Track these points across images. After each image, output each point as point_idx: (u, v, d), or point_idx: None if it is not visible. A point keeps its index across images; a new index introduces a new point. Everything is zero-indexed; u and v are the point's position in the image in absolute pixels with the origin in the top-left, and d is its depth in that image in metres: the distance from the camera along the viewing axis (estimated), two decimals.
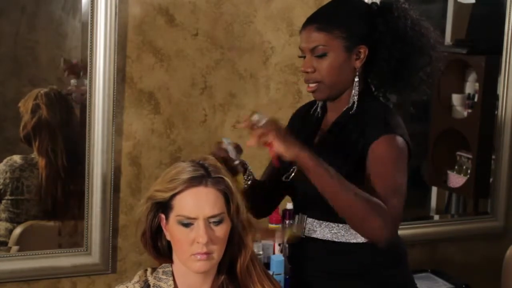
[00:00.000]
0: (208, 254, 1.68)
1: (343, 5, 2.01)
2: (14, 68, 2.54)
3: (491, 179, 3.37)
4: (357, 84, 1.97)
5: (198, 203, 1.68)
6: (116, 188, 2.64)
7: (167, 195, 1.70)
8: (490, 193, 3.38)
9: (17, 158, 2.55)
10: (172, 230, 1.71)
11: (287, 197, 2.22)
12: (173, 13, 2.66)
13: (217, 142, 1.98)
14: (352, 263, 1.98)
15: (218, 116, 2.77)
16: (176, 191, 1.69)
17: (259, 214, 2.21)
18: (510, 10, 3.25)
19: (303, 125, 2.12)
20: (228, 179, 1.73)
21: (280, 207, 2.46)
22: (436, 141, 3.43)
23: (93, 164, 2.56)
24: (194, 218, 1.68)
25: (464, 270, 3.25)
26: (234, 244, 1.76)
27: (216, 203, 1.69)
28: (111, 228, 2.62)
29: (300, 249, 2.06)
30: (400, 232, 2.06)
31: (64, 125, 2.58)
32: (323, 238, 1.98)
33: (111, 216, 2.61)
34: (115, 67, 2.54)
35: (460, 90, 3.43)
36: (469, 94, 3.40)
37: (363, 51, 1.96)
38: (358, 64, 1.96)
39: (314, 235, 2.00)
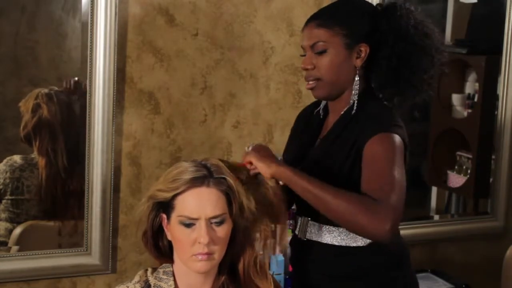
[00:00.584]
0: (209, 254, 1.68)
1: (345, 4, 2.01)
2: (14, 68, 2.54)
3: (491, 179, 3.37)
4: (357, 83, 1.96)
5: (200, 203, 1.68)
6: (116, 188, 2.64)
7: (169, 195, 1.70)
8: (490, 193, 3.38)
9: (17, 158, 2.55)
10: (174, 230, 1.71)
11: None
12: (173, 13, 2.66)
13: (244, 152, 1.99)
14: (353, 265, 1.97)
15: (218, 116, 2.77)
16: (178, 191, 1.69)
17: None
18: (510, 10, 3.25)
19: (306, 126, 2.12)
20: (230, 179, 1.72)
21: None
22: (436, 141, 3.43)
23: (93, 164, 2.56)
24: (196, 219, 1.68)
25: (464, 270, 3.25)
26: (236, 244, 1.76)
27: (218, 204, 1.69)
28: (111, 228, 2.62)
29: (302, 252, 2.06)
30: (400, 232, 2.07)
31: (65, 125, 2.58)
32: (324, 242, 1.98)
33: (111, 216, 2.61)
34: (115, 67, 2.54)
35: (460, 90, 3.43)
36: (469, 94, 3.40)
37: (364, 49, 1.95)
38: (358, 62, 1.95)
39: (315, 239, 1.99)
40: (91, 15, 2.49)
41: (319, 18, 1.97)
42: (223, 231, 1.70)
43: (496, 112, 3.33)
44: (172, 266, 1.78)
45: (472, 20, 3.43)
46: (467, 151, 3.39)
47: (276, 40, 2.83)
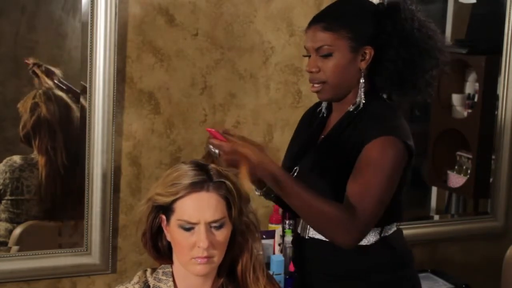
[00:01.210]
0: (209, 258, 1.68)
1: (350, 5, 1.99)
2: (14, 68, 2.54)
3: (491, 179, 3.37)
4: (363, 85, 1.95)
5: (199, 208, 1.67)
6: (116, 188, 2.64)
7: (168, 199, 1.69)
8: (490, 193, 3.38)
9: (17, 159, 2.55)
10: (173, 233, 1.71)
11: None
12: (173, 13, 2.66)
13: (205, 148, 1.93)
14: (355, 265, 1.97)
15: (218, 116, 2.77)
16: (178, 196, 1.68)
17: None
18: (510, 10, 3.25)
19: (309, 125, 2.12)
20: (229, 183, 1.72)
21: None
22: (436, 141, 3.43)
23: (93, 164, 2.56)
24: (195, 223, 1.67)
25: (464, 270, 3.25)
26: (235, 247, 1.75)
27: (218, 208, 1.69)
28: (111, 228, 2.62)
29: (304, 251, 2.06)
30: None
31: (64, 123, 2.58)
32: (326, 240, 1.98)
33: (111, 216, 2.61)
34: (115, 67, 2.54)
35: (460, 90, 3.43)
36: (469, 94, 3.40)
37: (369, 52, 1.94)
38: (363, 65, 1.95)
39: (317, 236, 1.99)
40: (91, 15, 2.49)
41: (324, 21, 1.95)
42: (222, 235, 1.69)
43: (496, 112, 3.33)
44: (171, 267, 1.78)
45: (472, 20, 3.43)
46: (467, 151, 3.39)
47: (276, 40, 2.83)
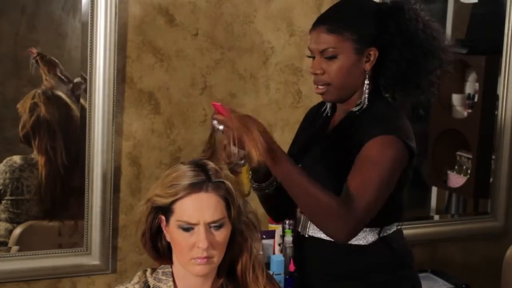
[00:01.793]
0: (208, 258, 1.68)
1: (354, 6, 1.98)
2: (14, 68, 2.54)
3: (491, 179, 3.37)
4: (367, 86, 1.95)
5: (199, 209, 1.67)
6: (116, 188, 2.64)
7: (167, 201, 1.69)
8: (490, 193, 3.38)
9: (17, 159, 2.55)
10: (172, 233, 1.71)
11: None
12: (173, 13, 2.66)
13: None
14: (355, 265, 1.97)
15: None
16: (177, 197, 1.68)
17: (276, 217, 2.24)
18: (510, 10, 3.25)
19: (312, 124, 2.12)
20: (228, 183, 1.72)
21: None
22: (436, 141, 3.43)
23: (93, 164, 2.56)
24: (195, 224, 1.67)
25: (464, 270, 3.25)
26: (235, 247, 1.75)
27: (217, 209, 1.69)
28: (111, 228, 2.62)
29: (304, 250, 2.06)
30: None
31: (63, 123, 2.58)
32: (326, 238, 1.98)
33: (111, 216, 2.61)
34: (115, 67, 2.54)
35: (460, 90, 3.43)
36: (469, 94, 3.40)
37: (373, 53, 1.94)
38: (368, 66, 1.95)
39: (317, 235, 1.99)
40: (91, 15, 2.49)
41: (328, 23, 1.94)
42: (222, 235, 1.69)
43: (496, 112, 3.33)
44: (171, 267, 1.78)
45: (472, 20, 3.43)
46: (467, 151, 3.39)
47: (276, 40, 2.83)
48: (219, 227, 1.69)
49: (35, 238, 2.58)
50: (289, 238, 2.65)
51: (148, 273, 1.79)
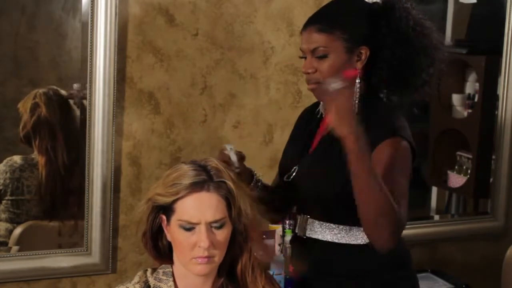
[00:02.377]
0: (209, 258, 1.68)
1: (344, 6, 2.00)
2: (14, 68, 2.54)
3: (491, 179, 3.37)
4: (358, 85, 1.96)
5: (200, 208, 1.67)
6: (116, 188, 2.64)
7: (168, 200, 1.69)
8: (490, 193, 3.38)
9: (17, 159, 2.55)
10: (173, 232, 1.71)
11: None
12: (173, 13, 2.66)
13: (220, 149, 1.97)
14: (353, 265, 1.97)
15: (218, 116, 2.77)
16: (178, 196, 1.68)
17: (272, 219, 2.23)
18: (510, 10, 3.25)
19: (307, 125, 2.12)
20: (230, 183, 1.72)
21: None
22: (436, 141, 3.43)
23: (93, 164, 2.56)
24: (196, 223, 1.67)
25: (464, 270, 3.25)
26: (235, 247, 1.75)
27: (218, 208, 1.69)
28: (111, 228, 2.62)
29: (303, 250, 2.06)
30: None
31: (64, 123, 2.58)
32: (324, 239, 1.98)
33: (111, 216, 2.61)
34: (115, 67, 2.54)
35: (460, 90, 3.43)
36: (469, 94, 3.40)
37: (364, 52, 1.95)
38: (359, 65, 1.95)
39: (315, 236, 1.99)
40: (91, 15, 2.49)
41: (319, 22, 1.96)
42: (223, 235, 1.70)
43: (496, 112, 3.33)
44: (171, 266, 1.78)
45: (472, 20, 3.43)
46: (467, 151, 3.39)
47: (276, 40, 2.83)
48: (220, 226, 1.69)
49: (35, 238, 2.58)
50: (289, 238, 2.65)
51: (148, 273, 1.79)
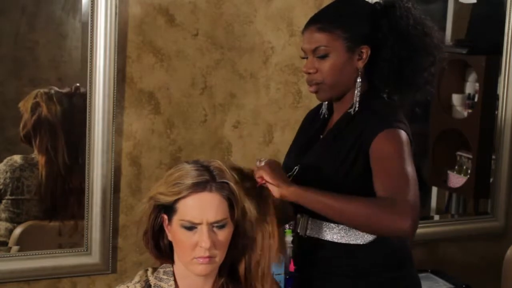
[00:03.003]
0: (210, 258, 1.68)
1: (345, 5, 2.00)
2: (14, 68, 2.54)
3: (491, 179, 3.37)
4: (359, 84, 1.96)
5: (202, 208, 1.67)
6: (116, 188, 2.64)
7: (170, 199, 1.69)
8: (490, 193, 3.38)
9: (17, 158, 2.55)
10: (175, 232, 1.71)
11: None
12: (173, 13, 2.66)
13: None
14: (353, 264, 1.97)
15: (218, 116, 2.77)
16: (180, 196, 1.68)
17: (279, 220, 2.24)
18: (510, 10, 3.25)
19: (311, 126, 2.12)
20: (232, 184, 1.71)
21: None
22: (436, 141, 3.43)
23: (93, 164, 2.56)
24: (198, 223, 1.67)
25: (464, 270, 3.25)
26: (237, 247, 1.75)
27: (220, 209, 1.68)
28: (111, 228, 2.62)
29: (303, 250, 2.06)
30: None
31: (64, 123, 2.58)
32: (325, 239, 1.98)
33: (111, 216, 2.61)
34: (115, 67, 2.54)
35: (460, 90, 3.43)
36: (469, 94, 3.40)
37: (365, 51, 1.95)
38: (360, 64, 1.96)
39: (316, 236, 1.99)
40: (91, 15, 2.49)
41: (319, 22, 1.96)
42: (224, 235, 1.69)
43: (496, 112, 3.33)
44: (172, 266, 1.78)
45: (472, 20, 3.43)
46: (467, 151, 3.39)
47: (276, 40, 2.83)
48: (221, 227, 1.69)
49: (35, 238, 2.58)
50: (289, 238, 2.65)
51: (149, 272, 1.79)
